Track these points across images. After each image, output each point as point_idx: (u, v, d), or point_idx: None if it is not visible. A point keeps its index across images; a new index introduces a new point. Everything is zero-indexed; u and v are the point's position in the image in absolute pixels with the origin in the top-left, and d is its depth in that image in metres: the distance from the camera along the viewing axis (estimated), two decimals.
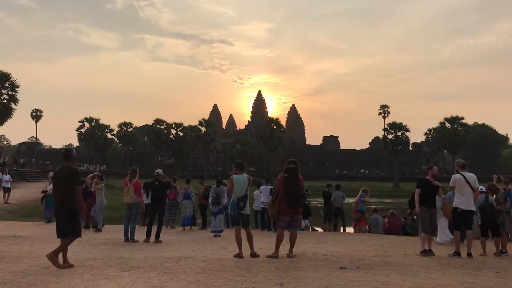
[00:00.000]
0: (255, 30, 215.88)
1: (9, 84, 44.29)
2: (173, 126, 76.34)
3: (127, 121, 78.27)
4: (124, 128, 77.58)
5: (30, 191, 28.54)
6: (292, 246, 7.68)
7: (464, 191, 8.03)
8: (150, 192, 10.66)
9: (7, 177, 23.35)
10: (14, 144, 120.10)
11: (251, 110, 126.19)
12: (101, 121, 75.26)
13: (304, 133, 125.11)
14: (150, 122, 77.48)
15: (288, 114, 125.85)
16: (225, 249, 8.73)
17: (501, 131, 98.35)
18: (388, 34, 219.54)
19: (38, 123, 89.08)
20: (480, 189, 8.68)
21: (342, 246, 9.41)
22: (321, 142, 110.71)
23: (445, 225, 10.14)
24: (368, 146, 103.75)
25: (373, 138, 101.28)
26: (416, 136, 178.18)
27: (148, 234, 10.08)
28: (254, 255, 7.46)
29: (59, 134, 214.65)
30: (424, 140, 77.02)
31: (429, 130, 70.20)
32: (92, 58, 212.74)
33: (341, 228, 14.53)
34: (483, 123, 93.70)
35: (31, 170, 50.38)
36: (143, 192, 10.58)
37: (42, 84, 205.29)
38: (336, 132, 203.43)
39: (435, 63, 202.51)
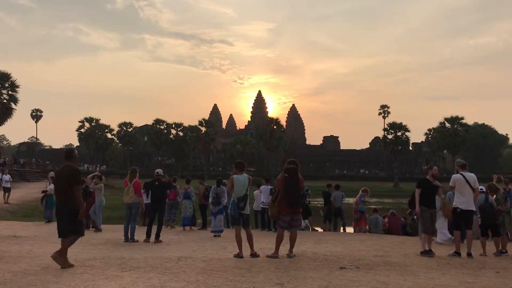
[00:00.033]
0: (255, 30, 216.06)
1: (9, 84, 44.29)
2: (173, 126, 76.34)
3: (127, 121, 78.38)
4: (124, 128, 77.58)
5: (30, 191, 28.54)
6: (292, 246, 7.68)
7: (464, 191, 8.03)
8: (150, 192, 10.67)
9: (7, 177, 23.35)
10: (14, 144, 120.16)
11: (251, 110, 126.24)
12: (101, 121, 75.31)
13: (304, 133, 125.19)
14: (150, 122, 77.60)
15: (288, 114, 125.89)
16: (225, 249, 8.73)
17: (501, 131, 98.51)
18: (388, 34, 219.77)
19: (38, 123, 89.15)
20: (480, 189, 8.68)
21: (342, 246, 9.41)
22: (321, 142, 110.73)
23: (444, 225, 10.13)
24: (368, 146, 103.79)
25: (373, 138, 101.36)
26: (416, 136, 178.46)
27: (148, 234, 10.08)
28: (254, 255, 7.46)
29: (59, 134, 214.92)
30: (424, 140, 77.01)
31: (429, 130, 70.23)
32: (92, 58, 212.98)
33: (341, 228, 14.54)
34: (483, 123, 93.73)
35: (31, 170, 50.39)
36: (143, 192, 10.58)
37: (42, 84, 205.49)
38: (336, 132, 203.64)
39: (435, 63, 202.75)
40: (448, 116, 66.14)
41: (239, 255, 7.40)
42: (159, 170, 11.16)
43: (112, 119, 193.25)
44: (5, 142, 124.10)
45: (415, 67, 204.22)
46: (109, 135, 76.38)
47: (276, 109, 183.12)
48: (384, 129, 69.59)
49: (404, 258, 7.69)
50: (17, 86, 44.53)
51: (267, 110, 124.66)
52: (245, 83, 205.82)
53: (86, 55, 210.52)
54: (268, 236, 11.11)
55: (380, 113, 77.09)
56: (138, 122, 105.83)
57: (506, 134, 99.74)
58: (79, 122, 74.53)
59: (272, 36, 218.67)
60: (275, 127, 70.47)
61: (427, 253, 7.92)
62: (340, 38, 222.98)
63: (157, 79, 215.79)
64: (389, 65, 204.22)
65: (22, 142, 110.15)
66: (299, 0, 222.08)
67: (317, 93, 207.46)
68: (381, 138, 77.29)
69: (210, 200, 11.98)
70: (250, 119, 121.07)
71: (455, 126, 65.42)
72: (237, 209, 7.49)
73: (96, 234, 11.68)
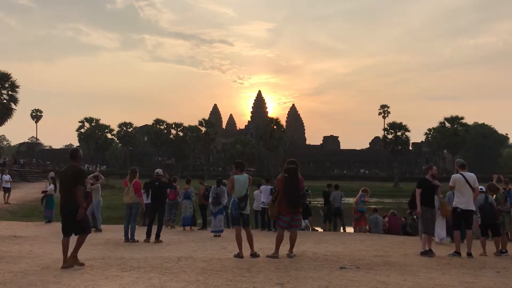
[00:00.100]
0: (255, 30, 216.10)
1: (9, 84, 44.28)
2: (173, 126, 76.37)
3: (127, 121, 78.52)
4: (124, 128, 77.63)
5: (30, 191, 28.53)
6: (292, 246, 7.68)
7: (464, 191, 8.03)
8: (150, 192, 10.67)
9: (7, 177, 23.34)
10: (14, 144, 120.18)
11: (251, 110, 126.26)
12: (101, 121, 75.47)
13: (304, 133, 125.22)
14: (150, 122, 77.65)
15: (288, 114, 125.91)
16: (225, 249, 8.73)
17: (501, 131, 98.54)
18: (388, 34, 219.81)
19: (38, 123, 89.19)
20: (480, 189, 8.68)
21: (342, 246, 9.41)
22: (321, 142, 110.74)
23: (440, 225, 10.10)
24: (368, 146, 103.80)
25: (373, 138, 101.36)
26: (416, 136, 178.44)
27: (148, 234, 10.08)
28: (254, 255, 7.46)
29: (59, 134, 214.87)
30: (424, 140, 77.04)
31: (429, 130, 70.27)
32: (92, 58, 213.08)
33: (341, 228, 14.54)
34: (483, 123, 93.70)
35: (31, 170, 50.36)
36: (143, 192, 10.58)
37: (42, 84, 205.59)
38: (336, 132, 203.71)
39: (435, 63, 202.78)
40: (448, 116, 66.27)
41: (239, 255, 7.40)
42: (159, 170, 11.16)
43: (112, 119, 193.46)
44: (5, 142, 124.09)
45: (415, 67, 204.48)
46: (109, 135, 76.54)
47: (276, 109, 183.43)
48: (384, 129, 69.63)
49: (404, 258, 7.69)
50: (17, 86, 44.55)
51: (267, 110, 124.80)
52: (245, 83, 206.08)
53: (86, 55, 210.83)
54: (268, 236, 11.11)
55: (380, 113, 77.09)
56: (138, 122, 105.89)
57: (506, 134, 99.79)
58: (79, 122, 74.77)
59: (272, 36, 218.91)
60: (275, 127, 70.47)
61: (427, 253, 7.91)
62: (340, 38, 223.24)
63: (157, 79, 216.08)
64: (389, 65, 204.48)
65: (22, 142, 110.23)
66: (299, 0, 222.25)
67: (317, 93, 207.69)
68: (381, 138, 77.31)
69: (210, 200, 11.98)
70: (250, 119, 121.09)
71: (455, 126, 65.44)
72: (237, 209, 7.49)
73: (96, 234, 11.67)
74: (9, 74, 44.52)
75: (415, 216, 11.48)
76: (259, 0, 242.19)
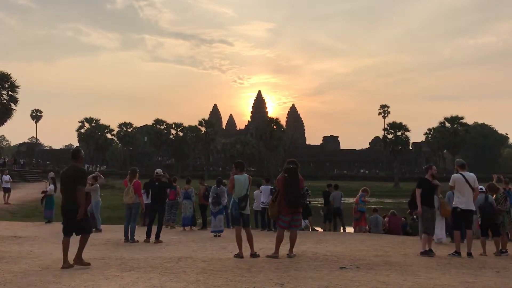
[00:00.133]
0: (255, 30, 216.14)
1: (9, 84, 44.27)
2: (173, 126, 76.39)
3: (127, 121, 78.62)
4: (124, 128, 77.66)
5: (30, 192, 28.52)
6: (292, 246, 7.68)
7: (464, 190, 8.02)
8: (150, 192, 10.67)
9: (7, 177, 23.33)
10: (14, 144, 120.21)
11: (251, 110, 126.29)
12: (101, 121, 75.52)
13: (304, 133, 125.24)
14: (150, 122, 77.72)
15: (288, 114, 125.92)
16: (225, 249, 8.73)
17: (501, 130, 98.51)
18: (388, 34, 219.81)
19: (38, 124, 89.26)
20: (480, 188, 8.68)
21: (342, 246, 9.41)
22: (321, 142, 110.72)
23: (440, 225, 10.09)
24: (368, 146, 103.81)
25: (373, 138, 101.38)
26: (416, 136, 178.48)
27: (148, 234, 10.08)
28: (254, 255, 7.46)
29: (59, 134, 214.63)
30: (424, 140, 77.04)
31: (429, 130, 70.28)
32: (92, 58, 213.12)
33: (341, 228, 14.53)
34: (483, 123, 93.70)
35: (31, 171, 50.35)
36: (143, 192, 10.58)
37: (42, 84, 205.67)
38: (336, 132, 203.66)
39: (435, 63, 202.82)
40: (448, 116, 66.28)
41: (239, 255, 7.40)
42: (159, 170, 11.16)
43: (112, 119, 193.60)
44: (5, 143, 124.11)
45: (415, 67, 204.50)
46: (109, 135, 76.59)
47: (276, 109, 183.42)
48: (384, 129, 69.64)
49: (404, 258, 7.69)
50: (17, 87, 44.54)
51: (267, 110, 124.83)
52: (245, 83, 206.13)
53: (86, 55, 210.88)
54: (268, 236, 11.11)
55: (380, 113, 77.12)
56: (138, 122, 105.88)
57: (506, 134, 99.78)
58: (79, 122, 74.80)
59: (272, 36, 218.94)
60: (275, 127, 70.47)
61: (428, 253, 7.91)
62: (340, 38, 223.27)
63: (157, 79, 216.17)
64: (389, 65, 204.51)
65: (22, 143, 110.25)
66: (299, 0, 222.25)
67: (317, 93, 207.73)
68: (381, 138, 77.33)
69: (210, 200, 11.98)
70: (250, 119, 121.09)
71: (455, 126, 65.46)
72: (238, 208, 7.49)
73: (96, 234, 11.66)
74: (9, 74, 44.54)
75: (415, 216, 11.48)
76: (259, 0, 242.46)
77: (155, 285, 5.22)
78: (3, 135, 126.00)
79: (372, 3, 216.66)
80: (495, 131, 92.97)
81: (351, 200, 19.45)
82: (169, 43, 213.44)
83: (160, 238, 10.01)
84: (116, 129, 77.21)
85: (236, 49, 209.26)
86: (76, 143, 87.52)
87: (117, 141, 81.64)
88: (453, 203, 8.31)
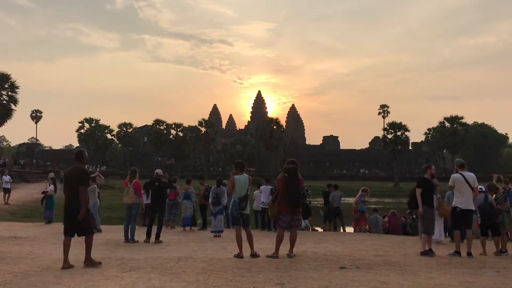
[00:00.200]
0: (255, 30, 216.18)
1: (8, 85, 44.21)
2: (173, 126, 76.38)
3: (127, 121, 78.63)
4: (124, 129, 77.63)
5: (30, 192, 28.51)
6: (292, 246, 7.68)
7: (463, 190, 8.03)
8: (150, 193, 10.67)
9: (7, 178, 23.32)
10: (14, 145, 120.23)
11: (251, 110, 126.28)
12: (101, 122, 75.53)
13: (304, 133, 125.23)
14: (150, 122, 77.76)
15: (288, 114, 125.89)
16: (225, 249, 8.73)
17: (500, 130, 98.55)
18: (388, 34, 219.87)
19: (38, 124, 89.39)
20: (480, 188, 8.68)
21: (342, 246, 9.41)
22: (321, 142, 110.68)
23: (439, 225, 10.06)
24: (368, 146, 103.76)
25: (372, 138, 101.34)
26: (416, 135, 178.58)
27: (148, 235, 10.08)
28: (254, 255, 7.46)
29: (59, 134, 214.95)
30: (424, 140, 77.06)
31: (429, 129, 70.28)
32: (92, 58, 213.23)
33: (341, 228, 14.53)
34: (483, 123, 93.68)
35: (31, 171, 50.31)
36: (143, 193, 10.58)
37: (42, 85, 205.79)
38: (336, 132, 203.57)
39: (435, 63, 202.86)
40: (448, 115, 66.24)
41: (239, 255, 7.40)
42: (159, 171, 11.16)
43: (112, 120, 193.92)
44: (5, 143, 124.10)
45: (415, 67, 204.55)
46: (109, 136, 76.57)
47: (276, 109, 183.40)
48: (384, 129, 69.61)
49: (404, 257, 7.69)
50: (17, 87, 44.48)
51: (267, 110, 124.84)
52: (245, 83, 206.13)
53: (86, 55, 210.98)
54: (268, 236, 11.11)
55: (380, 113, 77.14)
56: (138, 123, 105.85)
57: (506, 134, 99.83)
58: (79, 122, 74.78)
59: (272, 36, 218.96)
60: (275, 127, 70.45)
61: (428, 252, 7.91)
62: (340, 38, 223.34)
63: (157, 79, 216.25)
64: (389, 65, 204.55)
65: (22, 143, 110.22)
66: (299, 0, 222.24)
67: (317, 93, 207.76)
68: (380, 138, 77.29)
69: (210, 200, 11.98)
70: (250, 119, 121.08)
71: (455, 125, 65.43)
72: (238, 209, 7.49)
73: (96, 234, 11.63)
74: (9, 75, 44.47)
75: (414, 216, 11.49)
76: (259, 0, 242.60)
77: (155, 285, 5.22)
78: (3, 136, 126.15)
79: (372, 3, 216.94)
80: (495, 131, 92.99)
81: (351, 200, 19.46)
82: (169, 43, 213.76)
83: (160, 238, 10.01)
84: (116, 130, 77.29)
85: (236, 49, 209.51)
86: (76, 144, 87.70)
87: (117, 142, 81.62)
88: (453, 203, 8.31)
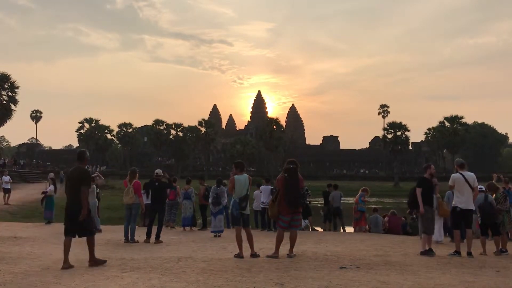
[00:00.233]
0: (255, 30, 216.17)
1: (8, 85, 44.19)
2: (173, 126, 76.36)
3: (127, 121, 78.60)
4: (124, 129, 77.62)
5: (30, 192, 28.51)
6: (292, 246, 7.68)
7: (463, 190, 8.03)
8: (150, 193, 10.67)
9: (7, 178, 23.33)
10: (14, 145, 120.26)
11: (251, 110, 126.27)
12: (101, 122, 75.49)
13: (304, 133, 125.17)
14: (150, 122, 77.73)
15: (288, 114, 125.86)
16: (225, 249, 8.73)
17: (500, 130, 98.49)
18: (388, 34, 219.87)
19: (38, 124, 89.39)
20: (480, 188, 8.68)
21: (342, 246, 9.41)
22: (321, 142, 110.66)
23: (438, 225, 10.05)
24: (368, 145, 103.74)
25: (372, 138, 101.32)
26: (416, 135, 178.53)
27: (148, 235, 10.08)
28: (254, 255, 7.46)
29: (59, 135, 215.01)
30: (424, 140, 77.06)
31: (429, 129, 70.26)
32: (92, 58, 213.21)
33: (341, 228, 14.53)
34: (483, 122, 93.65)
35: (31, 171, 50.32)
36: (143, 193, 10.58)
37: (42, 85, 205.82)
38: (336, 132, 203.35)
39: (435, 63, 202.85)
40: (448, 115, 66.24)
41: (239, 255, 7.40)
42: (159, 171, 11.17)
43: (112, 120, 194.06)
44: (5, 143, 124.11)
45: (415, 67, 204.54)
46: (109, 136, 76.52)
47: (276, 109, 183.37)
48: (384, 129, 69.59)
49: (405, 257, 7.69)
50: (17, 87, 44.45)
51: (266, 110, 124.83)
52: (245, 83, 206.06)
53: (86, 56, 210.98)
54: (268, 236, 11.12)
55: (379, 113, 77.14)
56: (138, 123, 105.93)
57: (506, 133, 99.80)
58: (79, 123, 74.74)
59: (272, 36, 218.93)
60: (275, 127, 70.43)
61: (428, 252, 7.91)
62: (340, 38, 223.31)
63: (156, 79, 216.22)
64: (389, 65, 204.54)
65: (22, 143, 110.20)
66: (299, 0, 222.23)
67: (317, 93, 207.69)
68: (380, 137, 77.25)
69: (210, 200, 11.98)
70: (250, 119, 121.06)
71: (455, 125, 65.42)
72: (238, 209, 7.49)
73: (96, 234, 11.64)
74: (9, 75, 44.43)
75: (414, 216, 11.49)
76: (259, 0, 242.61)
77: (155, 285, 5.22)
78: (3, 136, 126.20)
79: (372, 3, 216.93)
80: (495, 131, 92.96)
81: (351, 200, 19.46)
82: (169, 43, 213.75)
83: (160, 239, 10.01)
84: (116, 130, 77.27)
85: (236, 49, 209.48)
86: (76, 144, 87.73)
87: (117, 142, 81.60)
88: (453, 202, 8.31)
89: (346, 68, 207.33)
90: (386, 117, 75.80)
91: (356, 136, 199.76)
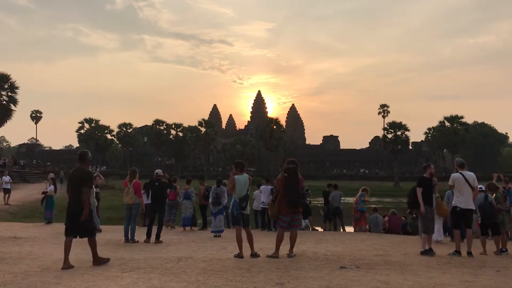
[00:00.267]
0: (255, 30, 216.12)
1: (8, 85, 44.22)
2: (173, 126, 76.38)
3: (127, 121, 78.61)
4: (124, 129, 77.62)
5: (30, 192, 28.53)
6: (292, 246, 7.68)
7: (463, 190, 8.03)
8: (150, 193, 10.67)
9: (7, 178, 23.34)
10: (14, 145, 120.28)
11: (251, 110, 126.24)
12: (101, 122, 75.52)
13: (304, 133, 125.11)
14: (150, 122, 77.75)
15: (287, 114, 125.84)
16: (226, 249, 8.73)
17: (501, 130, 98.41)
18: (388, 34, 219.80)
19: (38, 124, 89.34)
20: (480, 188, 8.68)
21: (342, 246, 9.41)
22: (321, 142, 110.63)
23: (437, 225, 10.05)
24: (368, 145, 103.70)
25: (373, 138, 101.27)
26: (416, 135, 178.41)
27: (149, 235, 10.08)
28: (254, 255, 7.46)
29: (59, 135, 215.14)
30: (424, 139, 77.08)
31: (429, 129, 70.26)
32: (92, 58, 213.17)
33: (341, 228, 14.53)
34: (483, 122, 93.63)
35: (31, 171, 50.36)
36: (143, 193, 10.58)
37: (42, 85, 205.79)
38: (336, 131, 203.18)
39: (435, 63, 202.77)
40: (448, 115, 66.24)
41: (239, 255, 7.40)
42: (159, 171, 11.17)
43: (112, 120, 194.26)
44: (5, 144, 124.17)
45: (415, 67, 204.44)
46: (109, 136, 76.49)
47: (275, 109, 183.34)
48: (384, 129, 69.57)
49: (405, 257, 7.69)
50: (17, 88, 44.50)
51: (266, 110, 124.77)
52: (245, 83, 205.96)
53: (85, 56, 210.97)
54: (268, 236, 11.11)
55: (379, 113, 77.17)
56: (137, 123, 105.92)
57: (506, 133, 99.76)
58: (79, 123, 74.78)
59: (272, 36, 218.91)
60: (275, 127, 70.48)
61: (428, 252, 7.91)
62: (340, 38, 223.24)
63: (156, 79, 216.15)
64: (389, 65, 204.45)
65: (22, 143, 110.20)
66: (299, 0, 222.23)
67: (317, 93, 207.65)
68: (381, 137, 77.27)
69: (210, 200, 11.98)
70: (250, 119, 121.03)
71: (455, 125, 65.44)
72: (239, 209, 7.49)
73: (96, 234, 11.66)
74: (9, 75, 44.48)
75: (414, 215, 11.49)
76: (259, 0, 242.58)
77: (156, 285, 5.22)
78: (3, 136, 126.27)
79: (372, 3, 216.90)
80: (495, 130, 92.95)
81: (351, 199, 19.47)
82: (169, 43, 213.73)
83: (160, 239, 10.01)
84: (116, 130, 77.28)
85: (236, 49, 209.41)
86: (76, 144, 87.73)
87: (117, 142, 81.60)
88: (453, 202, 8.31)
89: (346, 68, 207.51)
90: (386, 117, 75.91)
91: (356, 136, 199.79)
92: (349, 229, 14.44)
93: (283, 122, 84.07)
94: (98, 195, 13.01)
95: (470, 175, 8.09)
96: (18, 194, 26.53)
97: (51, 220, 14.66)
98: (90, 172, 6.87)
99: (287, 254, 7.54)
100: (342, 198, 14.85)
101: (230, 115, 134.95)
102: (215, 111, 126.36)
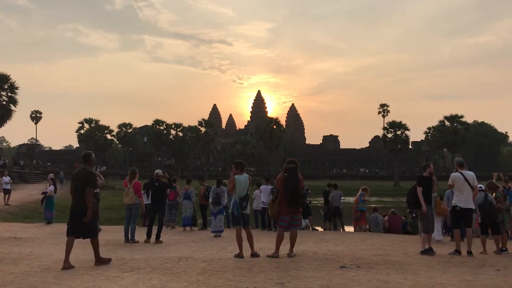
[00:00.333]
0: (255, 30, 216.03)
1: (8, 85, 44.19)
2: (173, 126, 76.32)
3: (127, 122, 78.45)
4: (124, 129, 77.56)
5: (30, 193, 28.53)
6: (292, 245, 7.68)
7: (463, 189, 8.03)
8: (150, 193, 10.67)
9: (7, 178, 23.33)
10: (14, 145, 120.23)
11: (251, 110, 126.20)
12: (101, 122, 75.35)
13: (304, 132, 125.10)
14: (149, 122, 77.65)
15: (287, 114, 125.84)
16: (226, 249, 8.73)
17: (500, 129, 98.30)
18: (388, 34, 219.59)
19: (37, 125, 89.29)
20: (480, 187, 8.68)
21: (342, 245, 9.41)
22: (321, 142, 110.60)
23: (436, 225, 10.04)
24: (367, 145, 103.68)
25: (372, 137, 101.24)
26: (416, 135, 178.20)
27: (149, 235, 10.09)
28: (254, 255, 7.46)
29: (59, 135, 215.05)
30: (424, 139, 77.05)
31: (429, 128, 70.20)
32: (92, 59, 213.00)
33: (341, 228, 14.54)
34: (483, 122, 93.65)
35: (31, 172, 50.38)
36: (143, 193, 10.59)
37: (41, 85, 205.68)
38: (335, 131, 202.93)
39: (435, 63, 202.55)
40: (448, 114, 66.23)
41: (239, 255, 7.40)
42: (159, 171, 11.17)
43: (111, 120, 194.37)
44: (4, 144, 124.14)
45: (415, 66, 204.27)
46: (108, 136, 76.41)
47: (275, 109, 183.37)
48: (384, 128, 69.52)
49: (405, 256, 7.69)
50: (17, 88, 44.47)
51: (266, 110, 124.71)
52: (245, 83, 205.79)
53: (85, 56, 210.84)
54: (268, 235, 11.12)
55: (379, 112, 77.14)
56: (137, 123, 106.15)
57: (506, 132, 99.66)
58: (79, 123, 74.62)
59: (272, 36, 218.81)
60: (274, 126, 70.47)
61: (428, 251, 7.92)
62: (340, 38, 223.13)
63: (156, 79, 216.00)
64: (389, 65, 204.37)
65: (22, 144, 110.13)
66: (299, 0, 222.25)
67: (317, 93, 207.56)
68: (380, 137, 77.20)
69: (210, 200, 11.99)
70: (249, 119, 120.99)
71: (455, 124, 65.39)
72: (239, 209, 7.49)
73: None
74: (8, 76, 44.44)
75: (414, 215, 11.49)
76: (258, 0, 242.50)
77: (156, 285, 5.22)
78: (3, 137, 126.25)
79: (372, 3, 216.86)
80: (495, 130, 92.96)
81: (351, 199, 19.46)
82: (169, 43, 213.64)
83: (160, 239, 10.02)
84: (116, 130, 77.20)
85: (236, 49, 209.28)
86: (76, 144, 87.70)
87: (117, 142, 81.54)
88: (453, 201, 8.31)
89: (345, 68, 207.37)
90: (386, 117, 75.81)
91: (356, 136, 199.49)
92: (349, 228, 14.44)
93: (283, 122, 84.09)
94: (98, 195, 12.99)
95: (470, 174, 8.10)
96: (18, 194, 26.53)
97: (51, 221, 14.66)
98: (94, 173, 6.90)
99: (287, 254, 7.54)
100: (342, 198, 14.85)
101: (230, 115, 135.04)
102: (215, 111, 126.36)
